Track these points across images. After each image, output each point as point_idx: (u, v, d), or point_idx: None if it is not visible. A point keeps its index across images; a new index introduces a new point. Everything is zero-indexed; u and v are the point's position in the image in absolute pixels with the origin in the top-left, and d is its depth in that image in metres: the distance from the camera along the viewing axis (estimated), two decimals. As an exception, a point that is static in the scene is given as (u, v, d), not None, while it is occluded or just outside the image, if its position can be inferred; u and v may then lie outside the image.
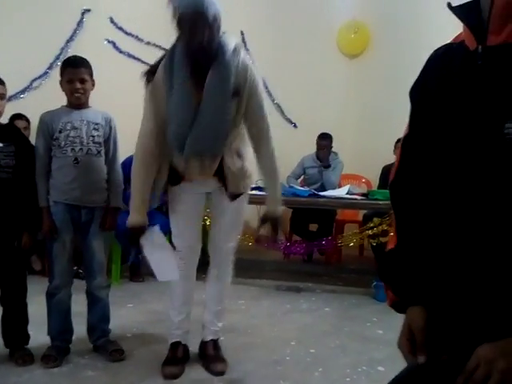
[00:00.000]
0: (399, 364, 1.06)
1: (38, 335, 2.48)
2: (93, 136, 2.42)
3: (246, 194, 2.33)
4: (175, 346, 2.39)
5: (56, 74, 4.34)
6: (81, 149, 2.39)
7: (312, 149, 4.98)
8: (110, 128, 2.50)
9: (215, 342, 2.44)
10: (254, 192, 4.01)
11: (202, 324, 2.45)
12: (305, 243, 4.53)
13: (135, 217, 2.15)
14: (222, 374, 2.31)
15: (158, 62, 2.14)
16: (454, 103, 1.00)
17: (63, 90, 2.44)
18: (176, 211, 2.32)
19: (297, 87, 5.39)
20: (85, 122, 2.42)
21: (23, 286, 2.42)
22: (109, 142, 2.49)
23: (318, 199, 4.01)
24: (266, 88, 5.37)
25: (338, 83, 5.44)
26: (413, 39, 4.93)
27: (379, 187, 4.48)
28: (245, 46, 5.31)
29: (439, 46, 1.11)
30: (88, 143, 2.40)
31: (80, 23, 4.67)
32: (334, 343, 2.75)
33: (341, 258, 4.87)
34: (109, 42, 4.77)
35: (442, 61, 1.06)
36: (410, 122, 1.12)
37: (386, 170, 4.56)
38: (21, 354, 2.39)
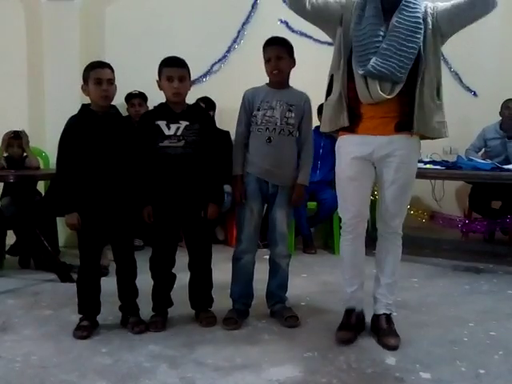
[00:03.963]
0: None
1: (221, 299, 2.69)
2: (286, 117, 2.52)
3: (415, 162, 2.35)
4: (349, 312, 2.44)
5: (234, 57, 4.65)
6: (274, 129, 2.51)
7: (494, 118, 4.59)
8: (305, 109, 2.58)
9: (388, 316, 2.42)
10: (428, 166, 3.87)
11: (373, 297, 2.46)
12: (486, 221, 4.22)
13: None
14: (395, 348, 2.28)
15: None
16: None
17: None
18: (343, 178, 2.36)
19: (475, 52, 4.98)
20: (281, 103, 2.52)
21: (209, 253, 2.62)
22: (302, 122, 2.58)
23: (501, 173, 3.68)
24: (442, 55, 5.04)
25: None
26: None
27: None
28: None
29: None
30: (281, 124, 2.52)
31: (254, 5, 4.82)
32: (518, 328, 2.55)
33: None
34: (282, 21, 4.88)
35: None
36: None
37: None
38: (205, 315, 2.60)
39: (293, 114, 2.54)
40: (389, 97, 2.20)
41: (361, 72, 2.20)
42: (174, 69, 2.47)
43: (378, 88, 2.18)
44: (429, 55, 2.23)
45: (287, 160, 2.57)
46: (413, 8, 2.21)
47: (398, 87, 2.20)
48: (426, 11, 2.24)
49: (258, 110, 2.53)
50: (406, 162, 2.29)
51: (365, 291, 2.45)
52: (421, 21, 2.20)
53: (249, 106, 2.56)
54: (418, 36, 2.19)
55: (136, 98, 4.27)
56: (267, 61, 2.53)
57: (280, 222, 2.59)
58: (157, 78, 2.53)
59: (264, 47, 2.56)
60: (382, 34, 2.20)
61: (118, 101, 3.46)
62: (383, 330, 2.37)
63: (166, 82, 2.47)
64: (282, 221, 2.59)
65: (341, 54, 2.27)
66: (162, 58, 2.53)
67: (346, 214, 2.38)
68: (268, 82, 2.58)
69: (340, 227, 2.46)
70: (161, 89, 2.53)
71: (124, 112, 4.14)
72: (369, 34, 2.20)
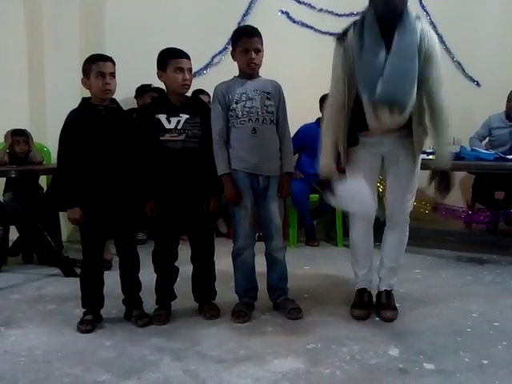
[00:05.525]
0: None
1: (224, 292, 2.69)
2: (266, 106, 2.51)
3: (419, 156, 2.47)
4: (361, 292, 2.61)
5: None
6: (257, 119, 2.49)
7: (498, 108, 4.56)
8: (280, 96, 2.57)
9: (388, 293, 2.59)
10: (431, 157, 3.84)
11: (378, 277, 2.62)
12: (489, 212, 4.21)
13: (326, 169, 2.42)
14: (390, 320, 2.47)
15: (347, 29, 2.34)
16: None
17: (235, 60, 2.52)
18: (354, 170, 2.46)
19: (478, 42, 4.95)
20: (258, 92, 2.50)
21: (211, 246, 2.62)
22: (279, 110, 2.57)
23: (504, 163, 3.66)
24: (445, 45, 5.03)
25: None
26: None
27: None
28: (420, 1, 5.01)
29: None
30: (263, 113, 2.50)
31: (255, -4, 4.79)
32: (522, 318, 2.55)
33: (530, 229, 4.43)
34: (282, 12, 4.85)
35: None
36: None
37: None
38: (208, 308, 2.60)
39: (271, 102, 2.52)
40: (400, 120, 2.30)
41: (368, 99, 2.27)
42: (184, 60, 2.45)
43: (393, 112, 2.28)
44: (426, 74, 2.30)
45: (273, 149, 2.55)
46: (410, 30, 2.24)
47: (407, 111, 2.28)
48: (421, 36, 2.26)
49: (237, 102, 2.49)
50: (410, 153, 2.41)
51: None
52: (417, 47, 2.24)
53: (224, 100, 2.50)
54: (416, 61, 2.24)
55: (154, 92, 4.09)
56: (244, 52, 2.46)
57: (275, 214, 2.58)
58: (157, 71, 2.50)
59: (240, 37, 2.49)
60: (384, 59, 2.24)
61: (124, 95, 3.45)
62: (382, 305, 2.55)
63: (174, 74, 2.43)
64: (277, 212, 2.59)
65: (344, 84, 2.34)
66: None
67: None
68: (238, 74, 2.54)
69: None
70: (162, 81, 2.50)
71: (125, 106, 4.11)
72: (371, 61, 2.24)
